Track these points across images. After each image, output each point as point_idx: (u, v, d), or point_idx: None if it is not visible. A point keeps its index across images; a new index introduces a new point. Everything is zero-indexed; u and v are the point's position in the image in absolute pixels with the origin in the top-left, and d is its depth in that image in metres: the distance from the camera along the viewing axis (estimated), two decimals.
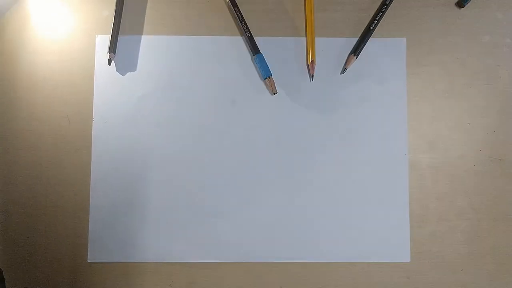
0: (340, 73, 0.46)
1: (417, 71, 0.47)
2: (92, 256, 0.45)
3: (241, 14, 0.46)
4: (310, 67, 0.46)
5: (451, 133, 0.46)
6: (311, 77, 0.46)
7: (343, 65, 0.47)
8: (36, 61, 0.46)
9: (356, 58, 0.46)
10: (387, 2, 0.46)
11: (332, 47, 0.47)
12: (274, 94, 0.46)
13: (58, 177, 0.45)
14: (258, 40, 0.46)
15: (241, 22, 0.46)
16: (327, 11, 0.47)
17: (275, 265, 0.45)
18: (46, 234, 0.45)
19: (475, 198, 0.46)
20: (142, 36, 0.47)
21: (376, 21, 0.46)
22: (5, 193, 0.45)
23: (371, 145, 0.46)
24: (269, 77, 0.45)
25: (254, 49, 0.46)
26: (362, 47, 0.46)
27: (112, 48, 0.45)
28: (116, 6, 0.46)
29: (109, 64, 0.46)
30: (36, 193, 0.45)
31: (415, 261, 0.45)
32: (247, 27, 0.46)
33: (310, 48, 0.46)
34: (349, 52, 0.47)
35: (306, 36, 0.47)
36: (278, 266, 0.45)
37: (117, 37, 0.46)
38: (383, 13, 0.46)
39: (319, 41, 0.47)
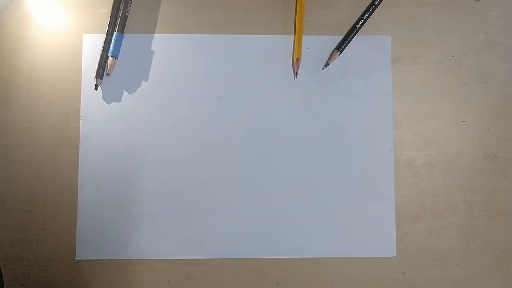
0: (322, 68, 0.47)
1: (413, 69, 0.47)
2: (80, 254, 0.45)
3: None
4: (295, 65, 0.47)
5: (447, 130, 0.47)
6: (295, 75, 0.47)
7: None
8: (35, 58, 0.46)
9: (340, 54, 0.47)
10: (376, 2, 0.47)
11: (319, 45, 0.47)
12: (108, 75, 0.46)
13: (57, 174, 0.45)
14: (250, 37, 0.47)
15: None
16: (319, 9, 0.48)
17: (272, 261, 0.45)
18: (44, 231, 0.45)
19: (470, 195, 0.46)
20: (128, 34, 0.47)
21: (363, 20, 0.47)
22: (4, 190, 0.45)
23: (357, 142, 0.46)
24: (113, 57, 0.45)
25: (118, 27, 0.46)
26: (346, 44, 0.47)
27: (99, 74, 0.45)
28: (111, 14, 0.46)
29: (96, 89, 0.46)
30: (35, 190, 0.45)
31: (411, 256, 0.46)
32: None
33: (297, 46, 0.47)
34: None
35: (294, 35, 0.47)
36: (274, 262, 0.45)
37: (106, 61, 0.46)
38: (371, 12, 0.47)
39: (307, 39, 0.47)
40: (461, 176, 0.47)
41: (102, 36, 0.46)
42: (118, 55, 0.46)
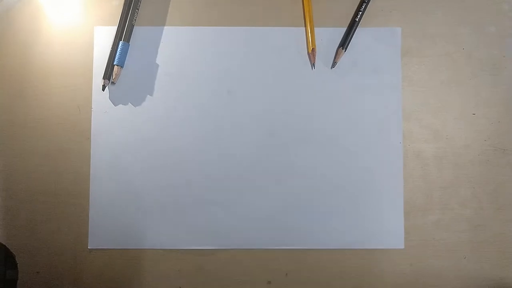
0: (331, 67, 0.47)
1: (422, 61, 0.47)
2: (92, 243, 0.46)
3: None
4: (311, 55, 0.47)
5: (456, 123, 0.47)
6: (313, 65, 0.47)
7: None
8: (47, 51, 0.47)
9: (345, 51, 0.47)
10: None
11: (330, 37, 0.47)
12: (113, 84, 0.46)
13: (69, 165, 0.46)
14: (259, 30, 0.47)
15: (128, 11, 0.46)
16: (327, 2, 0.48)
17: (281, 252, 0.46)
18: (57, 221, 0.46)
19: (479, 187, 0.46)
20: (139, 27, 0.47)
21: (360, 12, 0.46)
22: (18, 181, 0.46)
23: (366, 134, 0.47)
24: (119, 66, 0.46)
25: (124, 37, 0.46)
26: (350, 40, 0.47)
27: (107, 75, 0.46)
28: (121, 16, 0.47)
29: (103, 90, 0.46)
30: (48, 181, 0.46)
31: (419, 248, 0.46)
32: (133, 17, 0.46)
33: (310, 37, 0.47)
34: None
35: (305, 26, 0.47)
36: (284, 252, 0.46)
37: (113, 64, 0.46)
38: (367, 3, 0.47)
39: (317, 31, 0.47)
40: (470, 169, 0.47)
41: (113, 29, 0.46)
42: (123, 64, 0.46)
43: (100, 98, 0.46)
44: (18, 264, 0.45)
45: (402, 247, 0.46)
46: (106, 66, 0.46)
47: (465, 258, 0.46)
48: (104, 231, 0.46)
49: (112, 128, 0.46)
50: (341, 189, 0.46)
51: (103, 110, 0.46)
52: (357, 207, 0.46)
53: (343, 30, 0.47)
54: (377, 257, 0.46)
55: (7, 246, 0.45)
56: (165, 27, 0.47)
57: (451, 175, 0.47)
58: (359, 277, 0.46)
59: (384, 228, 0.46)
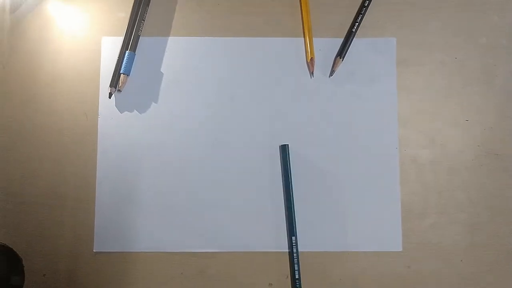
0: (329, 76, 0.49)
1: (417, 70, 0.49)
2: (98, 246, 0.47)
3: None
4: (310, 65, 0.49)
5: (450, 129, 0.48)
6: (311, 74, 0.49)
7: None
8: (56, 59, 0.49)
9: (342, 60, 0.48)
10: (366, 4, 0.49)
11: (328, 47, 0.49)
12: (119, 91, 0.48)
13: (76, 171, 0.47)
14: (260, 40, 0.49)
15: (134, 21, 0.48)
16: (323, 12, 0.50)
17: (282, 255, 0.47)
18: (63, 224, 0.47)
19: (474, 192, 0.48)
20: (146, 37, 0.49)
21: (357, 23, 0.48)
22: (26, 185, 0.47)
23: (364, 140, 0.48)
24: (125, 74, 0.47)
25: (131, 47, 0.48)
26: (347, 49, 0.48)
27: (114, 83, 0.48)
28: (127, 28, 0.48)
29: (109, 97, 0.48)
30: (55, 186, 0.47)
31: (416, 251, 0.47)
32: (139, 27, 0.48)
33: (309, 46, 0.48)
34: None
35: (304, 36, 0.49)
36: (284, 255, 0.47)
37: (119, 73, 0.48)
38: (363, 15, 0.49)
39: (316, 42, 0.49)
40: (464, 174, 0.48)
41: (120, 39, 0.48)
42: (129, 72, 0.48)
43: (106, 105, 0.48)
44: (24, 267, 0.46)
45: (400, 249, 0.47)
46: (113, 74, 0.48)
47: (461, 261, 0.47)
48: (109, 234, 0.47)
49: (118, 134, 0.48)
50: (340, 193, 0.48)
51: (110, 117, 0.48)
52: (355, 211, 0.47)
53: (340, 40, 0.49)
54: (375, 260, 0.47)
55: (14, 249, 0.46)
56: (169, 37, 0.49)
57: (446, 179, 0.48)
58: (357, 279, 0.47)
59: (382, 231, 0.47)
